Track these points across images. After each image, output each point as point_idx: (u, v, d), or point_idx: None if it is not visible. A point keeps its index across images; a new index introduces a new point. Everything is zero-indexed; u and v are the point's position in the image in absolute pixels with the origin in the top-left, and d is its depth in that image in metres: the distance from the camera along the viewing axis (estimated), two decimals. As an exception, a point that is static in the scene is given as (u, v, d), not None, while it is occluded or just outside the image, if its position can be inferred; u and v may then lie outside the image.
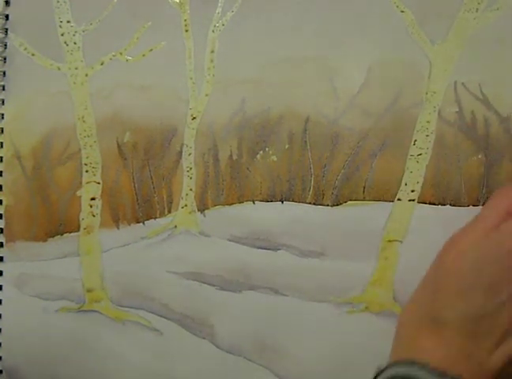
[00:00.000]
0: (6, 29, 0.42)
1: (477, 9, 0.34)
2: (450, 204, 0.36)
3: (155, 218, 0.41)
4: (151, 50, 0.40)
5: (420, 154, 0.36)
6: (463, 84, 0.35)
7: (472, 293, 0.27)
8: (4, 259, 0.43)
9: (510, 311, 0.26)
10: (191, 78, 0.40)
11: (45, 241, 0.42)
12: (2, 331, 0.43)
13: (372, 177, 0.37)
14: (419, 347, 0.27)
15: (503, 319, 0.26)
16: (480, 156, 0.35)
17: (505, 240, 0.27)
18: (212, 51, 0.39)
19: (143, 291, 0.41)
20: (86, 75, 0.41)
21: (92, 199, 0.42)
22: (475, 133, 0.35)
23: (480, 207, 0.35)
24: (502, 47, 0.34)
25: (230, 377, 0.39)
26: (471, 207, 0.35)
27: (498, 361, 0.26)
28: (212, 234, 0.40)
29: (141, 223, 0.41)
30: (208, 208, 0.40)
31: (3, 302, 0.43)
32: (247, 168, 0.39)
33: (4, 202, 0.43)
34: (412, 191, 0.36)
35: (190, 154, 0.40)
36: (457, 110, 0.35)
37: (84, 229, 0.42)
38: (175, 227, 0.41)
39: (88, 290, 0.42)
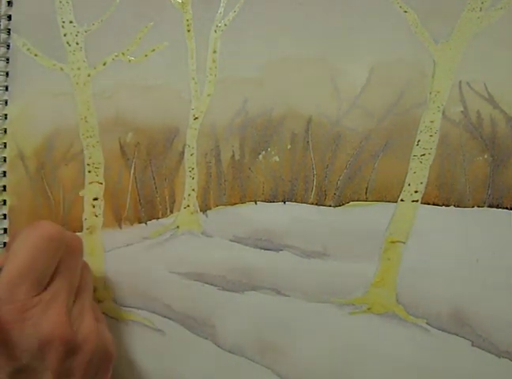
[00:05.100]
0: (9, 30, 0.42)
1: (481, 9, 0.34)
2: (454, 205, 0.35)
3: (157, 218, 0.41)
4: (153, 50, 0.40)
5: (424, 154, 0.35)
6: (468, 83, 0.34)
7: None
8: (8, 259, 0.43)
9: None
10: (193, 78, 0.40)
11: (48, 241, 0.42)
12: (7, 330, 0.43)
13: (375, 177, 0.36)
14: None
15: None
16: (485, 156, 0.34)
17: None
18: (215, 51, 0.39)
19: (145, 291, 0.41)
20: (88, 75, 0.41)
21: (95, 199, 0.42)
22: (481, 132, 0.34)
23: (485, 208, 0.34)
24: (506, 46, 0.34)
25: (232, 377, 0.39)
26: (475, 208, 0.35)
27: None
28: (214, 235, 0.40)
29: (144, 224, 0.41)
30: (210, 209, 0.40)
31: (7, 301, 0.43)
32: (249, 168, 0.39)
33: (8, 202, 0.43)
34: (416, 192, 0.36)
35: (192, 154, 0.40)
36: (462, 109, 0.35)
37: (87, 229, 0.42)
38: (178, 227, 0.41)
39: (91, 290, 0.42)
